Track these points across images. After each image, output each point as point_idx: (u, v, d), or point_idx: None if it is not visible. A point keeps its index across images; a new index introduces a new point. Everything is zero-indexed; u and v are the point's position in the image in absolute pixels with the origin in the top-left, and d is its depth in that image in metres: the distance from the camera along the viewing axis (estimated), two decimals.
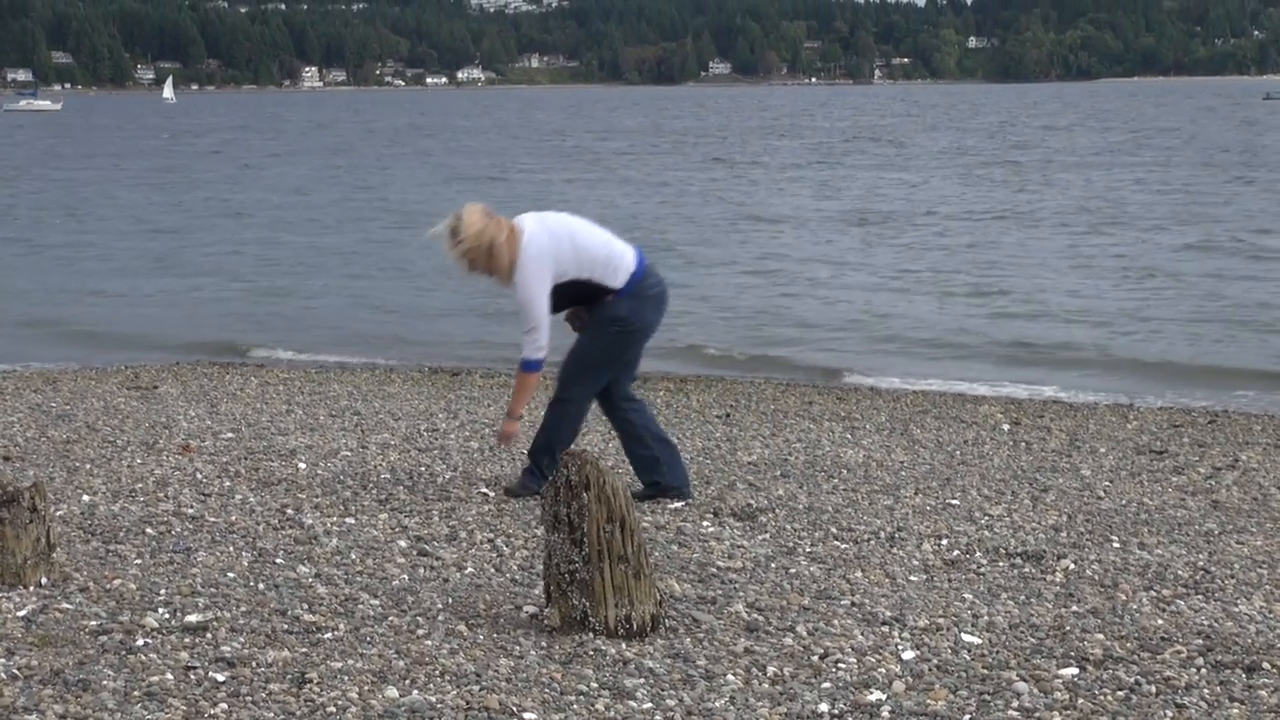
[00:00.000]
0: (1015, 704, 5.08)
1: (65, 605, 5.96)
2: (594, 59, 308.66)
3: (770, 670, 5.37)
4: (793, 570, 6.78)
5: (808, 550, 7.20)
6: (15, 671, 5.17)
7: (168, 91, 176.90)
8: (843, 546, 7.31)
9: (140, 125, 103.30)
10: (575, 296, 7.90)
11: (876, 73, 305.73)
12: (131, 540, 7.18)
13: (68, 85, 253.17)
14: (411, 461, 9.51)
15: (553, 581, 5.72)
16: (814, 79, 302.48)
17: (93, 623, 5.74)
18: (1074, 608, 6.28)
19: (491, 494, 8.34)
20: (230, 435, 10.63)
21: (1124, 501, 8.70)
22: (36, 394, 13.18)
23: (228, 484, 8.69)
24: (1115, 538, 7.65)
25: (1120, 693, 5.21)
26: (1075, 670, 5.43)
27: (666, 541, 7.25)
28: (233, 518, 7.69)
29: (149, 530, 7.39)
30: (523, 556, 6.90)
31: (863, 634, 5.81)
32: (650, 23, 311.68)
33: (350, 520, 7.64)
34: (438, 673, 5.25)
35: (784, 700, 5.08)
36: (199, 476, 8.95)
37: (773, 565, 6.86)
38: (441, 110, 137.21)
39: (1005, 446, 10.83)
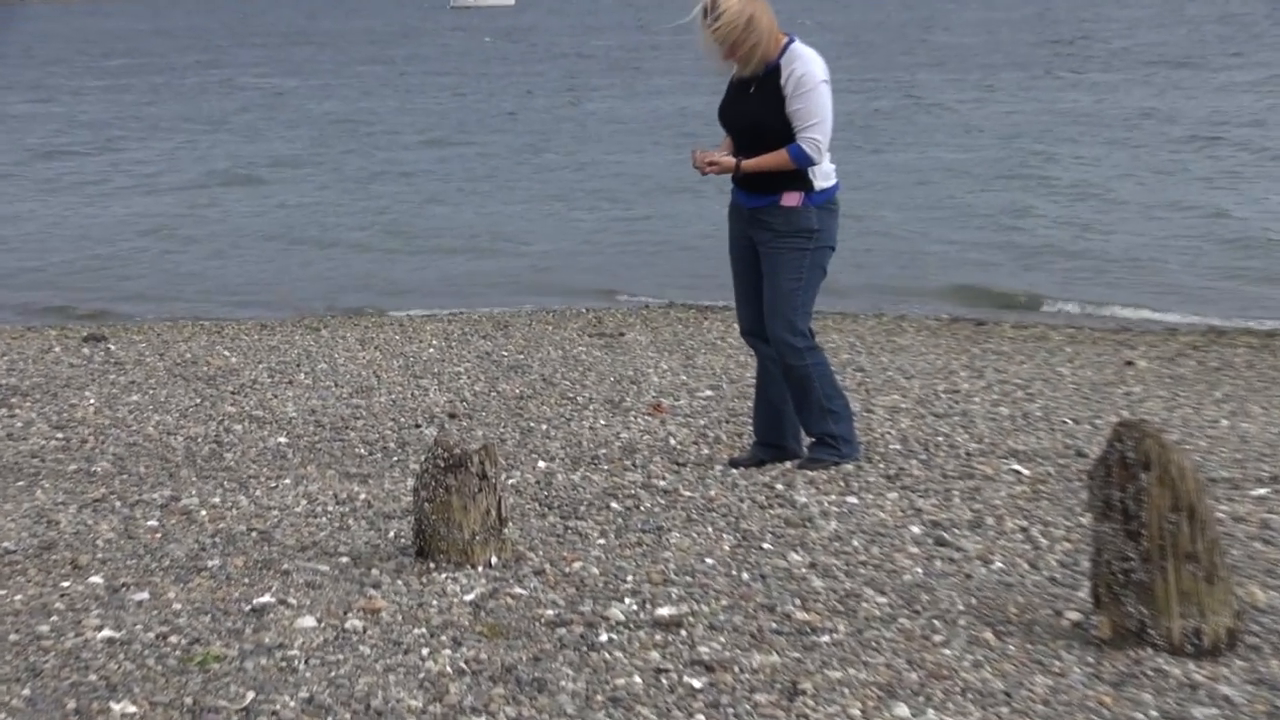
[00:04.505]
0: None
1: (518, 590, 6.21)
2: None
3: None
4: None
5: None
6: (462, 665, 5.42)
7: None
8: None
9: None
10: (753, 143, 8.01)
11: None
12: (594, 516, 7.42)
13: None
14: (926, 429, 9.50)
15: (1102, 583, 5.63)
16: None
17: (549, 612, 5.97)
18: None
19: (1025, 472, 8.26)
20: (709, 393, 10.84)
21: None
22: (486, 340, 13.77)
23: (706, 452, 8.87)
24: None
25: None
26: None
27: (1248, 537, 7.03)
28: (712, 492, 7.84)
29: (614, 505, 7.62)
30: (1064, 550, 6.81)
31: None
32: None
33: (852, 499, 7.70)
34: (958, 689, 5.24)
35: None
36: (672, 442, 9.17)
37: None
38: None
39: None
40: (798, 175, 7.97)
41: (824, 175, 8.04)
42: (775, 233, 8.05)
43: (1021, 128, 32.66)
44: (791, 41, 7.98)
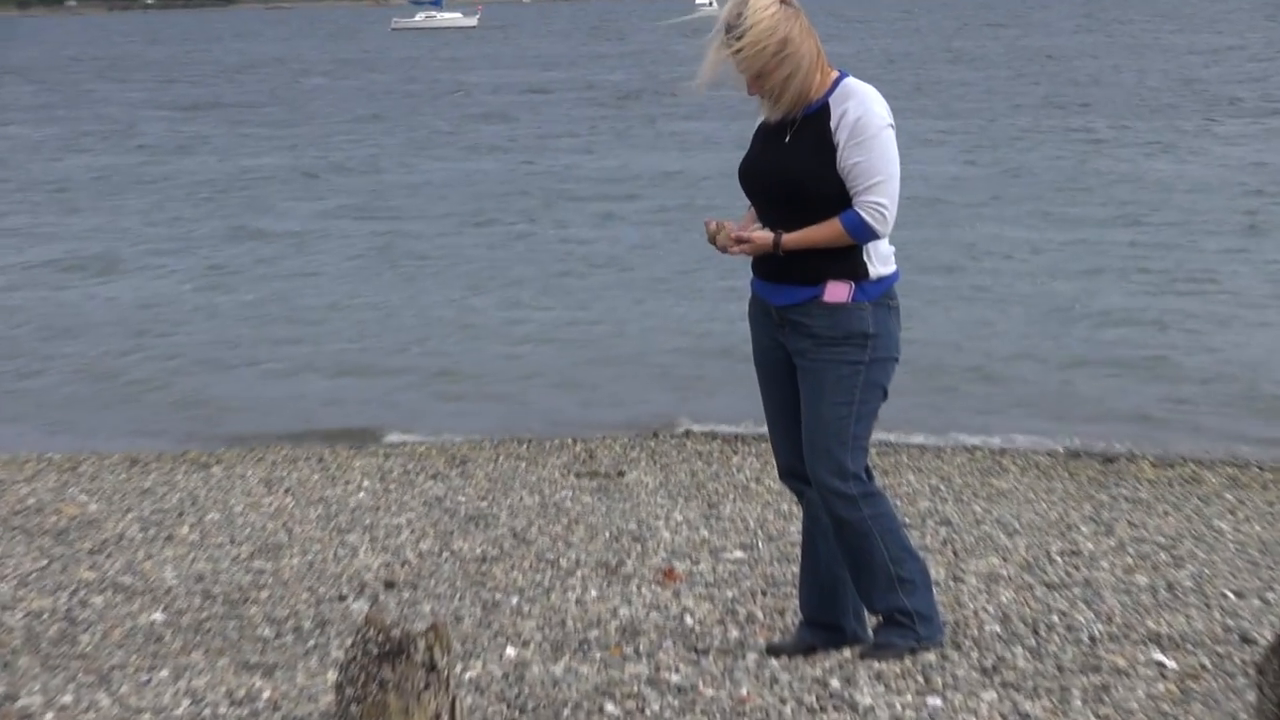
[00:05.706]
0: None
1: None
2: None
3: None
4: None
5: None
6: None
7: None
8: None
9: None
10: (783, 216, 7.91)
11: None
12: None
13: None
14: (1035, 604, 9.48)
15: None
16: None
17: None
18: None
19: (1171, 664, 8.22)
20: (739, 555, 10.82)
21: None
22: (437, 481, 13.77)
23: (735, 634, 8.85)
24: None
25: None
26: None
27: None
28: (743, 690, 7.81)
29: (610, 707, 7.59)
30: None
31: None
32: None
33: (935, 700, 7.65)
34: None
35: None
36: (689, 621, 9.15)
37: None
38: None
39: None
40: (847, 259, 7.83)
41: (881, 259, 7.92)
42: (816, 340, 7.91)
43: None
44: (843, 77, 7.90)
